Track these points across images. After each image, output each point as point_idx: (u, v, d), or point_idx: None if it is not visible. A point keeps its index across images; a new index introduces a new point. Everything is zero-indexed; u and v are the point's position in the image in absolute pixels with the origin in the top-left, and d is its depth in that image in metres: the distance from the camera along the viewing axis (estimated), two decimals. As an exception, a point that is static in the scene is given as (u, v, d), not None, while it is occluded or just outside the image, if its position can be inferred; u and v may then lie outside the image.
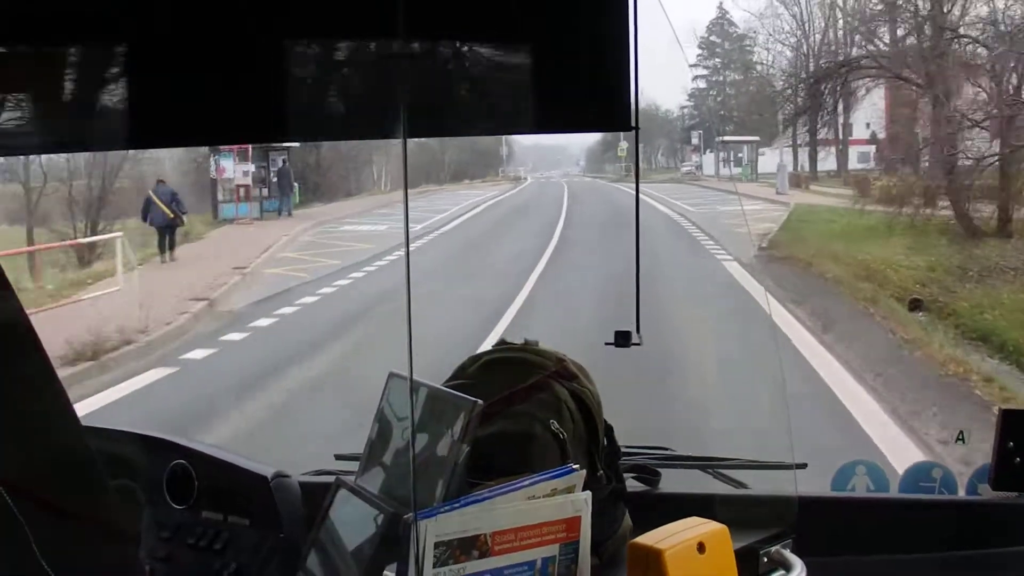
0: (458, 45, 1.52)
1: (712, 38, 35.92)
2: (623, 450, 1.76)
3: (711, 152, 37.08)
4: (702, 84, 37.24)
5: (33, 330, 1.08)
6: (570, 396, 1.61)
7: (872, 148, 35.61)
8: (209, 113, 1.52)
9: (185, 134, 1.65)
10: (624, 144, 35.42)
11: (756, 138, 34.51)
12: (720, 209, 21.50)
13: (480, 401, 1.44)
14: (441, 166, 38.24)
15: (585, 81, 1.55)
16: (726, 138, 34.91)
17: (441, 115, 1.54)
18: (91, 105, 1.50)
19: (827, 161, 32.02)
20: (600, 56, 1.54)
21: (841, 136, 31.80)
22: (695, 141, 37.40)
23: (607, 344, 1.71)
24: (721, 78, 37.01)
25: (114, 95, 1.53)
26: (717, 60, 36.67)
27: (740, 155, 34.05)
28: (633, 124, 1.56)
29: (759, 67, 35.12)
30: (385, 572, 1.35)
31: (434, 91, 1.49)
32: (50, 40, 1.44)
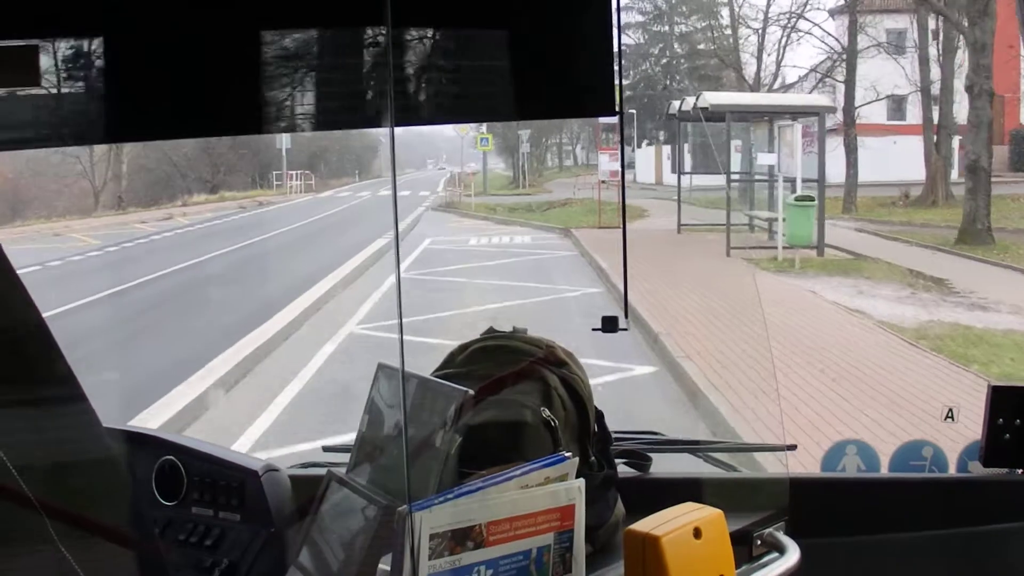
0: (444, 32, 1.51)
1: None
2: (612, 435, 1.76)
3: (651, 144, 23.01)
4: (636, 38, 24.21)
5: (47, 328, 1.06)
6: (560, 383, 1.60)
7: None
8: (195, 105, 1.50)
9: (171, 126, 1.63)
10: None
11: (828, 103, 16.62)
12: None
13: (471, 391, 1.43)
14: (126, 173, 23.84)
15: (567, 65, 1.54)
16: (721, 101, 15.78)
17: (429, 103, 1.53)
18: (73, 99, 1.48)
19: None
20: (582, 39, 1.54)
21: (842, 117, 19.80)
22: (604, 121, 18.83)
23: (594, 330, 1.71)
24: (666, 28, 24.93)
25: (98, 89, 1.51)
26: (660, 1, 24.73)
27: (754, 154, 16.14)
28: (617, 108, 1.55)
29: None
30: (380, 565, 1.35)
31: (420, 79, 1.48)
32: (34, 34, 1.42)
